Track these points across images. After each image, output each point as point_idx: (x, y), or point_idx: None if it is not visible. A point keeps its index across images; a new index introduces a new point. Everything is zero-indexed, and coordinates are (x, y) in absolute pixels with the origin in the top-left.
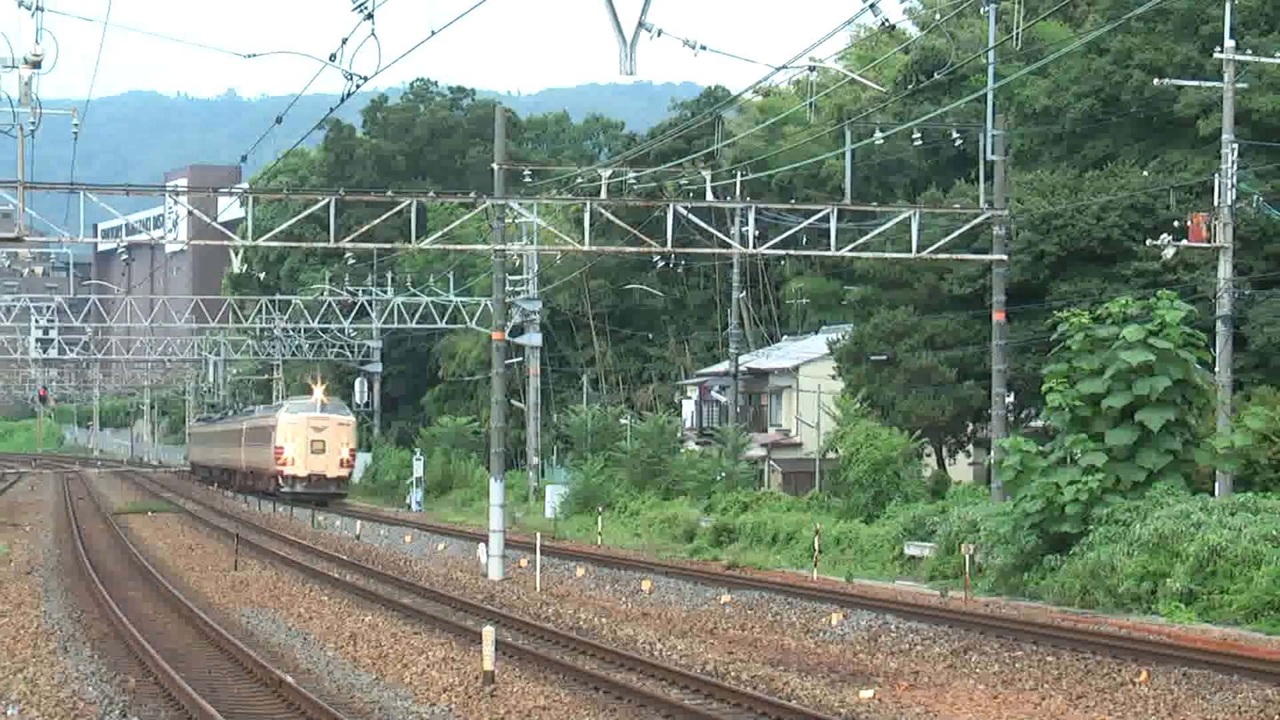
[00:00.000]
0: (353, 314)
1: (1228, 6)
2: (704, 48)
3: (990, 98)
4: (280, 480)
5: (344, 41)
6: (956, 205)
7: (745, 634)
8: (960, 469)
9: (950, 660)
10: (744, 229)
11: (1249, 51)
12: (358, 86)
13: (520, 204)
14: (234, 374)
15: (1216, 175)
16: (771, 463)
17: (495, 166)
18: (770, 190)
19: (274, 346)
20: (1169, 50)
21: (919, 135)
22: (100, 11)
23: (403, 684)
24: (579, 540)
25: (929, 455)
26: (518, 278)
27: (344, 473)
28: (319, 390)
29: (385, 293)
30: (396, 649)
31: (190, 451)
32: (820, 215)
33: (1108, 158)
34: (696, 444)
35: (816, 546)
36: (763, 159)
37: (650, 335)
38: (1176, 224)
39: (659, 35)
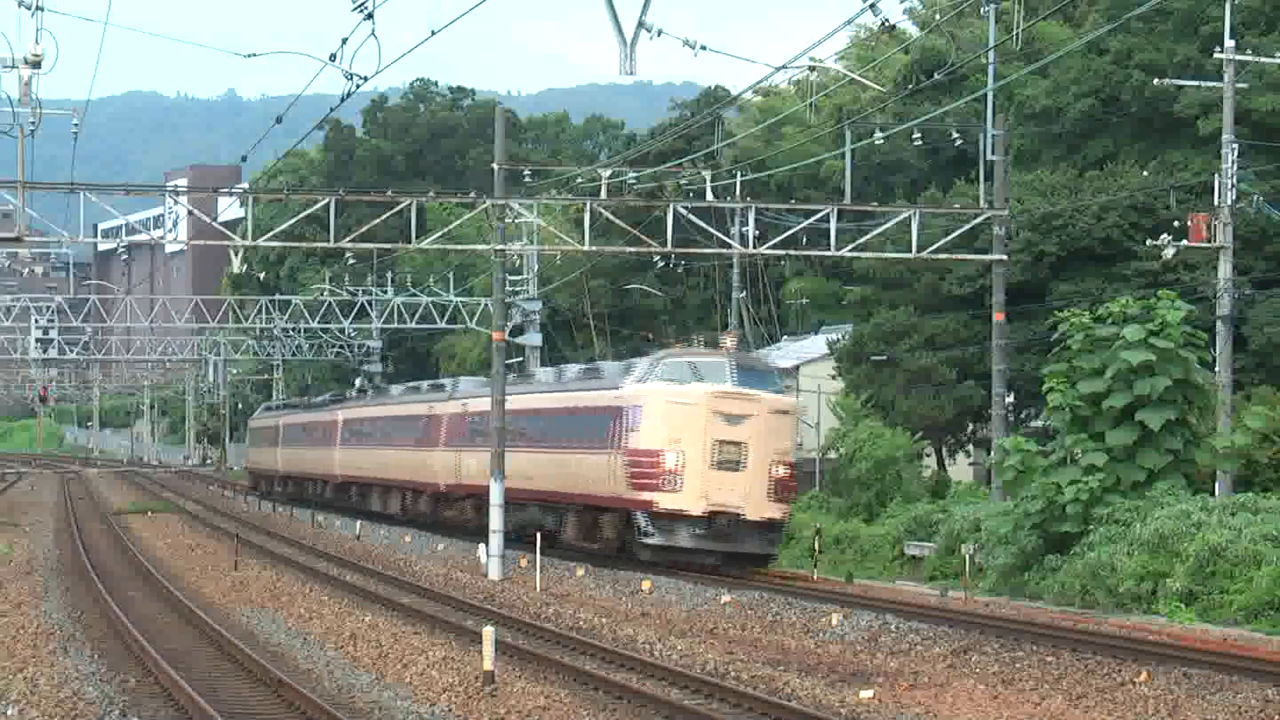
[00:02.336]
0: (353, 314)
1: (1228, 6)
2: (704, 48)
3: (990, 98)
4: (648, 523)
5: (344, 41)
6: (956, 205)
7: (745, 634)
8: (960, 469)
9: (950, 660)
10: (744, 229)
11: (1249, 51)
12: (358, 86)
13: (520, 204)
14: (234, 374)
15: (1216, 175)
16: None
17: (495, 167)
18: (770, 190)
19: (274, 346)
20: (1169, 50)
21: (919, 135)
22: (100, 11)
23: (403, 684)
24: None
25: (929, 455)
26: (518, 278)
27: (778, 511)
28: (730, 338)
29: (385, 293)
30: (396, 649)
31: (251, 455)
32: (820, 215)
33: (1108, 158)
34: None
35: (816, 546)
36: (762, 159)
37: (650, 335)
38: (1176, 224)
39: (659, 35)
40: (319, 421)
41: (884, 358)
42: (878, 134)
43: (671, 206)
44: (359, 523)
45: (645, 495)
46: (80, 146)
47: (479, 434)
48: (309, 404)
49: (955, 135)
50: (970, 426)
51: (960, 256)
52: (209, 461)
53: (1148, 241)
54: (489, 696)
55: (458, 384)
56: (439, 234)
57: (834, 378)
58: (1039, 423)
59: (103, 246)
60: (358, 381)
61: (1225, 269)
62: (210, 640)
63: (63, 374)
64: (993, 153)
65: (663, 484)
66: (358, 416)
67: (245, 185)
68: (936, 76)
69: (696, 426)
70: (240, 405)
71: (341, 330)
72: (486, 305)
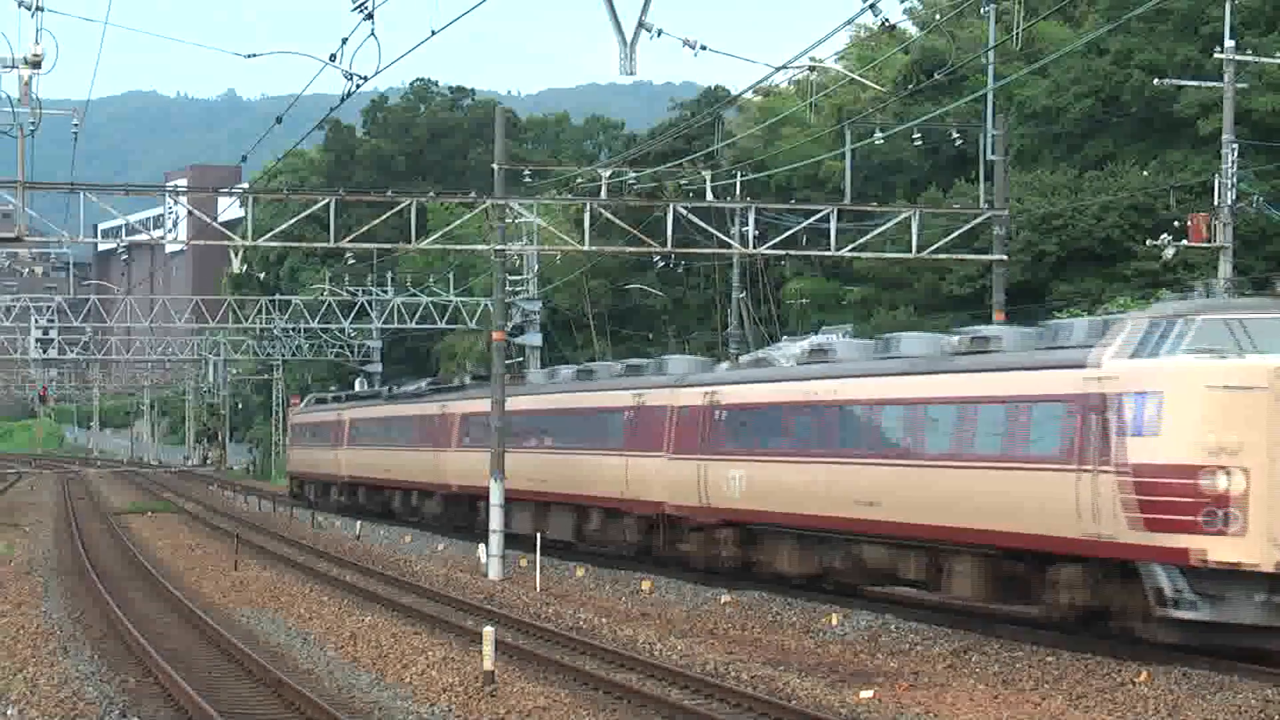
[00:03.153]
0: (353, 314)
1: (1228, 6)
2: (704, 48)
3: (990, 98)
4: (1179, 586)
5: (344, 41)
6: (956, 205)
7: (745, 634)
8: None
9: (950, 660)
10: (744, 229)
11: (1249, 51)
12: (358, 86)
13: (520, 204)
14: (234, 374)
15: (1216, 175)
16: None
17: (495, 167)
18: (770, 191)
19: (274, 346)
20: (1169, 50)
21: (919, 135)
22: (100, 11)
23: (403, 684)
24: None
25: None
26: (518, 278)
27: None
28: None
29: (385, 293)
30: (396, 649)
31: (295, 456)
32: (820, 215)
33: (1108, 158)
34: None
35: None
36: (762, 159)
37: (650, 335)
38: (1176, 224)
39: (659, 35)
40: (418, 416)
41: None
42: (878, 134)
43: (671, 206)
44: (359, 523)
45: (1172, 539)
46: (80, 146)
47: (751, 436)
48: (394, 394)
49: (955, 135)
50: None
51: (960, 256)
52: (209, 461)
53: (1148, 241)
54: (489, 696)
55: (665, 364)
56: (439, 234)
57: None
58: None
59: (103, 246)
60: (357, 382)
61: (1225, 269)
62: (210, 640)
63: (63, 374)
64: (993, 153)
65: (1207, 521)
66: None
67: (245, 185)
68: (936, 76)
69: (1261, 425)
70: (240, 405)
71: (341, 330)
72: (486, 305)
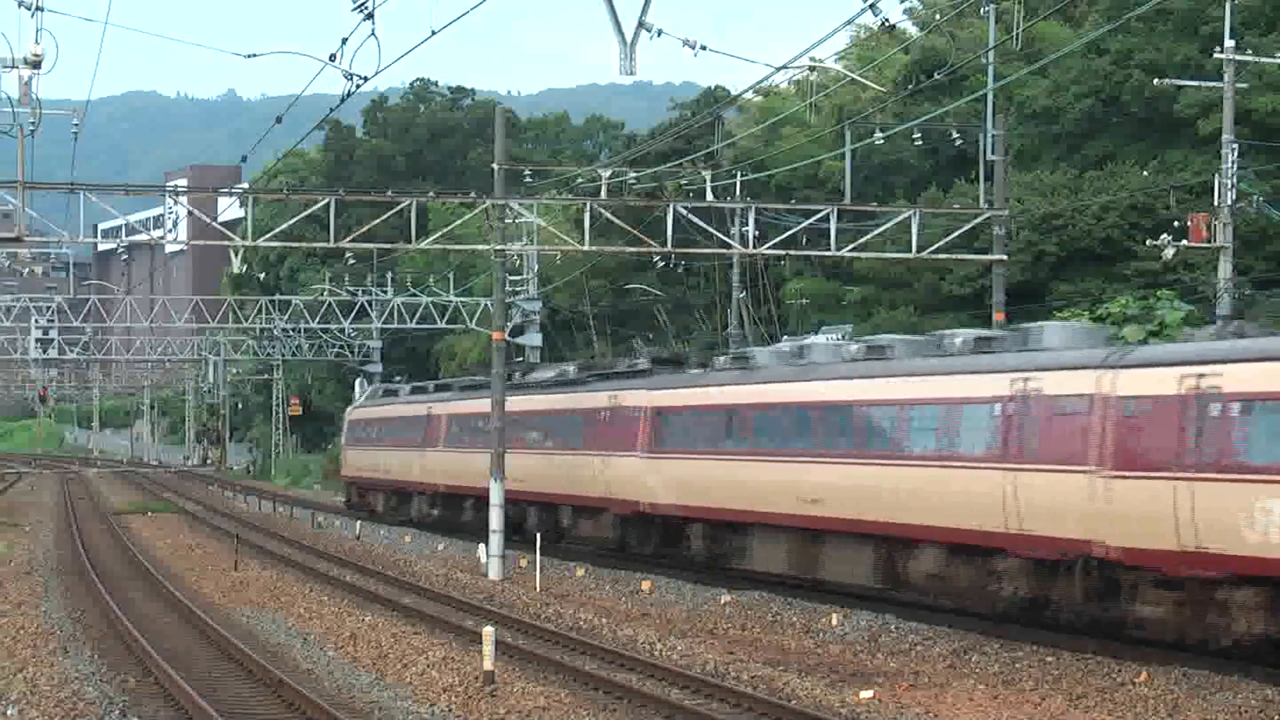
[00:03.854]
0: (353, 314)
1: (1228, 6)
2: (704, 48)
3: (990, 98)
4: None
5: (344, 41)
6: (956, 205)
7: (745, 634)
8: None
9: (950, 660)
10: (744, 229)
11: (1249, 51)
12: (358, 86)
13: (520, 204)
14: (234, 374)
15: (1216, 175)
16: None
17: (495, 167)
18: (770, 191)
19: (274, 346)
20: (1169, 50)
21: (919, 135)
22: (100, 11)
23: (403, 684)
24: None
25: None
26: (518, 278)
27: None
28: None
29: (385, 293)
30: (396, 649)
31: (352, 459)
32: (820, 215)
33: (1108, 158)
34: None
35: None
36: (762, 160)
37: (650, 335)
38: (1176, 224)
39: (659, 35)
40: (580, 410)
41: None
42: (878, 134)
43: (671, 206)
44: (359, 523)
45: None
46: (80, 146)
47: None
48: (519, 383)
49: (955, 135)
50: None
51: (960, 256)
52: (209, 461)
53: (1148, 241)
54: (489, 696)
55: (1039, 334)
56: (439, 234)
57: None
58: None
59: (103, 246)
60: (358, 383)
61: (1225, 269)
62: (210, 640)
63: (63, 374)
64: (993, 153)
65: None
66: (706, 403)
67: (245, 185)
68: (936, 76)
69: None
70: (240, 405)
71: (341, 330)
72: (486, 305)
